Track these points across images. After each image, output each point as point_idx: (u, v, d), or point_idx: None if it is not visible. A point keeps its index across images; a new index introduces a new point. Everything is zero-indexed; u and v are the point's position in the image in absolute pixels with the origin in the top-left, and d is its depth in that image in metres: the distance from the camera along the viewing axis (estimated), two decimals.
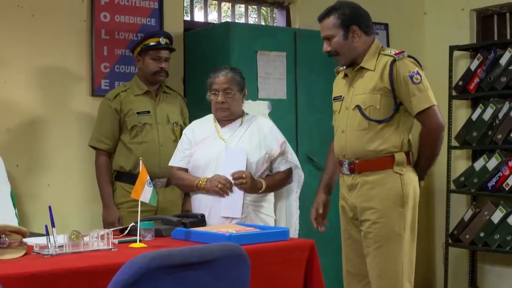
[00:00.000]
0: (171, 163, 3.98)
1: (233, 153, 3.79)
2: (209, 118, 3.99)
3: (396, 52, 3.54)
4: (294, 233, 3.96)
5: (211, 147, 3.84)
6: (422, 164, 3.57)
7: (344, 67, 3.71)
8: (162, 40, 4.40)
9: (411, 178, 3.53)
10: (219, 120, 3.92)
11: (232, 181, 3.73)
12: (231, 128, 3.89)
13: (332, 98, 3.81)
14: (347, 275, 3.78)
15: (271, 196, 3.93)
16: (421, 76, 3.48)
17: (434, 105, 3.49)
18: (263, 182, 3.80)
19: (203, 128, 3.93)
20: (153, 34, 4.48)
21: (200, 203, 3.83)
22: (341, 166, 3.67)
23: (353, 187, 3.61)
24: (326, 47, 3.63)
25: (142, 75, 4.46)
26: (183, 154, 3.92)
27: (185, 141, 3.93)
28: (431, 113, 3.48)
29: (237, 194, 3.75)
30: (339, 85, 3.78)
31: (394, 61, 3.49)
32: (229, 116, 3.89)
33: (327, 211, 3.85)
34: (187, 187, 3.95)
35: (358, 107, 3.56)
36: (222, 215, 3.74)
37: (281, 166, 3.91)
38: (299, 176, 4.00)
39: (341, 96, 3.69)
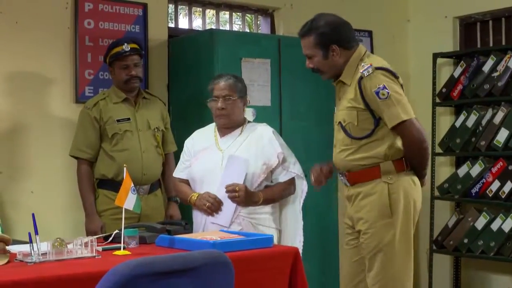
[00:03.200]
0: (174, 174, 4.01)
1: (235, 161, 3.73)
2: (211, 128, 3.95)
3: (365, 67, 3.44)
4: (299, 244, 3.89)
5: (208, 159, 3.81)
6: (414, 169, 3.53)
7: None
8: (126, 47, 4.31)
9: (403, 185, 3.47)
10: (219, 129, 3.88)
11: (226, 193, 3.69)
12: (230, 138, 3.85)
13: None
14: (342, 279, 3.80)
15: (270, 207, 3.84)
16: (388, 91, 3.37)
17: (405, 120, 3.39)
18: (261, 195, 3.74)
19: (202, 139, 3.90)
20: (117, 42, 4.40)
21: (197, 213, 3.81)
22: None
23: (349, 199, 3.61)
24: (308, 64, 3.62)
25: (117, 84, 4.43)
26: (183, 165, 3.91)
27: (186, 152, 3.93)
28: (404, 128, 3.41)
29: (229, 204, 3.71)
30: (336, 97, 3.73)
31: (361, 78, 3.43)
32: (228, 124, 3.83)
33: (329, 176, 3.71)
34: (183, 200, 3.97)
35: (340, 123, 3.56)
36: (210, 221, 3.72)
37: (280, 177, 3.83)
38: (303, 186, 3.93)
39: (335, 109, 3.69)
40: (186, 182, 3.90)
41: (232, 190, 3.67)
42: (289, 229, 3.92)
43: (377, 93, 3.38)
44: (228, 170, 3.73)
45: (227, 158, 3.75)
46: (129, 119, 4.36)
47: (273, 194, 3.81)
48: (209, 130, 3.94)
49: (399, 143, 3.48)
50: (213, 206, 3.69)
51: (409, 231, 3.51)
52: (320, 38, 3.53)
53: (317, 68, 3.60)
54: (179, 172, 3.95)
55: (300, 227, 3.94)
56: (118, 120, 4.32)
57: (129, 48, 4.32)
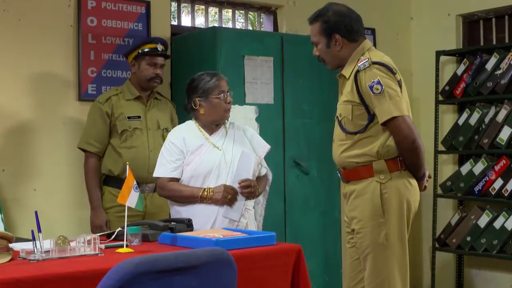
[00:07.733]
0: (160, 174, 3.84)
1: (246, 158, 3.81)
2: (192, 125, 3.92)
3: (362, 61, 3.43)
4: (259, 218, 4.06)
5: (209, 156, 3.81)
6: (409, 168, 3.47)
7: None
8: (159, 47, 4.42)
9: (396, 185, 3.42)
10: (206, 127, 3.88)
11: (239, 189, 3.76)
12: (220, 136, 3.88)
13: None
14: (343, 278, 3.80)
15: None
16: (382, 86, 3.34)
17: (396, 116, 3.34)
18: (258, 188, 3.86)
19: (192, 137, 3.86)
20: (151, 40, 4.51)
21: (204, 211, 3.76)
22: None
23: (345, 196, 3.60)
24: (314, 51, 3.63)
25: (135, 81, 4.45)
26: (175, 164, 3.81)
27: (175, 151, 3.81)
28: (394, 124, 3.36)
29: (240, 199, 3.78)
30: (339, 91, 3.71)
31: (357, 71, 3.41)
32: None
33: None
34: (186, 198, 3.78)
35: (337, 117, 3.56)
36: (223, 215, 3.75)
37: (261, 171, 3.96)
38: (268, 179, 4.07)
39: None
40: (176, 181, 3.83)
41: (247, 186, 3.76)
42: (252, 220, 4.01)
43: (371, 87, 3.35)
44: (240, 166, 3.79)
45: (241, 155, 3.80)
46: (139, 117, 4.39)
47: (263, 187, 3.97)
48: (193, 128, 3.90)
49: (393, 141, 3.42)
50: (233, 198, 3.75)
51: (403, 231, 3.46)
52: (324, 26, 3.54)
53: (321, 57, 3.61)
54: (169, 172, 3.81)
55: (260, 220, 4.07)
56: (129, 117, 4.35)
57: (161, 49, 4.41)
